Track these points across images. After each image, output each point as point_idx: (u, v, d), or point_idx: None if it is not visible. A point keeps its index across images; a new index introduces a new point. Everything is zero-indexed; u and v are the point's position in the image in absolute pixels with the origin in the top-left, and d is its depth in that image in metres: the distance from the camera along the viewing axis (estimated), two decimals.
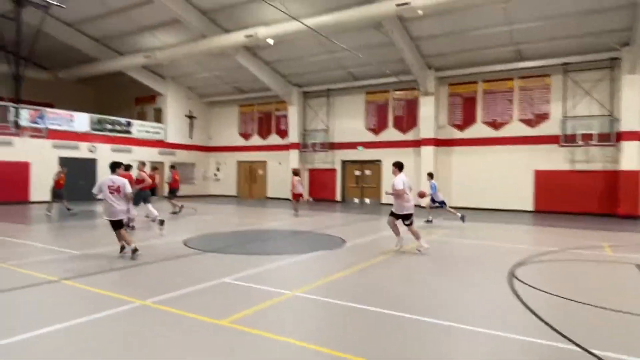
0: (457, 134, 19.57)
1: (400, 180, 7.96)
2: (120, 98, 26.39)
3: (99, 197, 7.34)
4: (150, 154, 23.74)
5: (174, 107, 25.18)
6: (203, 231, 10.74)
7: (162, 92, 24.71)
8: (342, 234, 10.52)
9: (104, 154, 21.42)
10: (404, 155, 20.60)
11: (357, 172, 22.50)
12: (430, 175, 13.85)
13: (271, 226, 12.43)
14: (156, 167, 17.18)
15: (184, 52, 18.98)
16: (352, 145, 22.29)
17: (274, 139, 25.12)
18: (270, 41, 16.49)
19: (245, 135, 26.28)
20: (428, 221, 13.27)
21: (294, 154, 23.47)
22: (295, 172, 16.29)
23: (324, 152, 22.83)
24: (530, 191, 17.92)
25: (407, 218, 8.15)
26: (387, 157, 21.20)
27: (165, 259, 7.37)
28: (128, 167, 11.66)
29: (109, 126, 21.81)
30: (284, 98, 23.03)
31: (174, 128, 25.23)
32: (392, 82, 20.39)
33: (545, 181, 17.57)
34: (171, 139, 25.06)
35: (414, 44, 17.36)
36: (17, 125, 15.55)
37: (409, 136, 20.71)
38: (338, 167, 22.87)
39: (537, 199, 17.79)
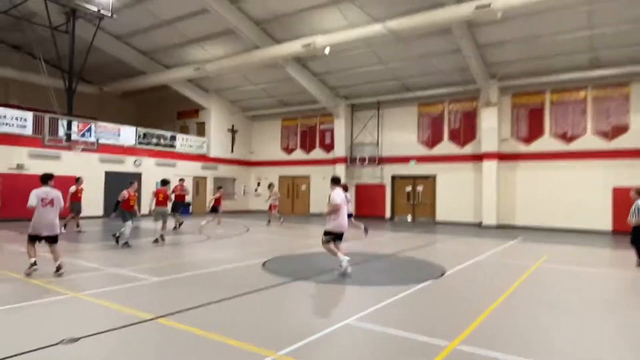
0: (522, 148, 18.21)
1: (337, 195, 7.45)
2: (162, 112, 26.10)
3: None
4: (193, 169, 23.23)
5: (217, 121, 24.70)
6: (272, 253, 9.77)
7: (205, 106, 24.27)
8: (430, 258, 9.37)
9: (149, 168, 20.96)
10: (462, 170, 19.43)
11: (409, 188, 21.31)
12: (345, 188, 13.46)
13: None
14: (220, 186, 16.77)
15: (235, 64, 18.41)
16: (403, 160, 21.17)
17: (317, 154, 24.25)
18: (327, 50, 15.71)
19: (288, 150, 25.52)
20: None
21: (340, 169, 22.48)
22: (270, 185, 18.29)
23: (372, 166, 21.78)
24: (609, 209, 16.33)
25: (339, 237, 7.55)
26: (442, 172, 20.04)
27: (257, 288, 6.38)
28: (165, 182, 12.36)
29: (154, 140, 21.38)
30: (331, 110, 22.21)
31: (216, 142, 24.69)
32: (447, 93, 19.34)
33: (626, 199, 15.92)
34: (214, 153, 24.50)
35: (478, 51, 16.28)
36: (69, 138, 15.12)
37: (467, 150, 19.46)
38: (387, 183, 21.74)
39: (616, 218, 16.16)
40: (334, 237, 7.46)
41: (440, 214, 20.09)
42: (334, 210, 7.36)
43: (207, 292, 6.15)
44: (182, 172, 22.46)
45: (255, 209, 26.48)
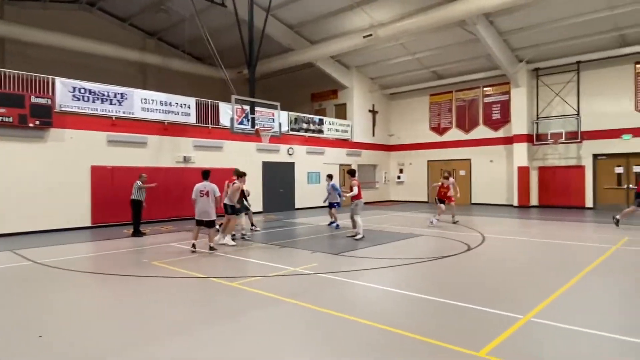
0: None
1: None
2: (293, 95, 23.63)
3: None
4: (339, 156, 20.70)
5: (359, 101, 21.88)
6: None
7: (347, 85, 21.49)
8: None
9: (300, 157, 18.66)
10: None
11: (619, 169, 17.03)
12: (329, 177, 12.71)
13: None
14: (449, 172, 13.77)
15: (415, 26, 15.15)
16: (610, 134, 16.92)
17: (481, 132, 20.57)
18: None
19: (440, 130, 22.08)
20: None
21: (519, 149, 18.65)
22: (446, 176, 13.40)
23: (564, 144, 17.73)
24: None
25: None
26: None
27: None
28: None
29: (305, 125, 18.99)
30: (509, 77, 18.38)
31: (359, 125, 21.92)
32: None
33: None
34: (357, 137, 21.76)
35: None
36: (253, 124, 13.00)
37: None
38: (588, 164, 17.59)
39: None
40: None
41: None
42: None
43: None
44: (330, 160, 20.04)
45: (398, 199, 23.55)
